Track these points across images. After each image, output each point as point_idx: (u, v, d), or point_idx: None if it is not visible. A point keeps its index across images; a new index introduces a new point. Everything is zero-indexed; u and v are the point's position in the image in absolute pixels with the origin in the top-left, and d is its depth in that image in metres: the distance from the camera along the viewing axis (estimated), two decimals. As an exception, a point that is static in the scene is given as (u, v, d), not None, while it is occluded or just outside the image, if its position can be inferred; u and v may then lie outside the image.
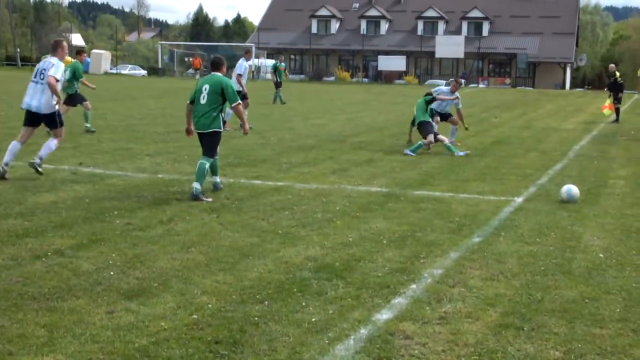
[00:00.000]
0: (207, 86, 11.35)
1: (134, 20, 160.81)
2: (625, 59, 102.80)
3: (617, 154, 17.89)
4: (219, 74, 11.53)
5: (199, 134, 11.40)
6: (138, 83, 55.26)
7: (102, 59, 76.81)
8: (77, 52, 20.39)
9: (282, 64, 36.97)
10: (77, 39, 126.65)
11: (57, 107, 12.15)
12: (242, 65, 21.75)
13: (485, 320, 5.96)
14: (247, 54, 22.80)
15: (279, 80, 35.41)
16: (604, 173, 14.45)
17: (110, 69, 78.76)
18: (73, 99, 19.43)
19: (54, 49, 12.38)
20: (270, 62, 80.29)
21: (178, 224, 9.10)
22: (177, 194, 10.99)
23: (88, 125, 19.65)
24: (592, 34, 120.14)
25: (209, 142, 11.31)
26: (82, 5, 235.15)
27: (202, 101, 11.27)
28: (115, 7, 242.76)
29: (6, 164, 11.98)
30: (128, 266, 7.22)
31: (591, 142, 20.50)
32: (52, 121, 12.25)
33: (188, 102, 11.47)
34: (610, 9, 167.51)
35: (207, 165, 11.12)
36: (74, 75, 19.22)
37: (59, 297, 6.25)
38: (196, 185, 10.91)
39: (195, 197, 10.79)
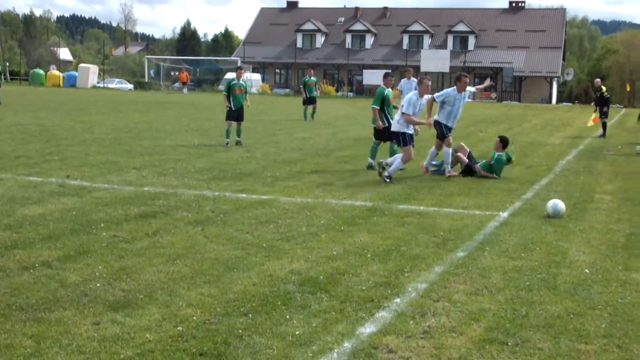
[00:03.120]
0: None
1: (121, 35, 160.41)
2: (613, 73, 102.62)
3: (604, 168, 17.87)
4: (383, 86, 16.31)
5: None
6: (125, 97, 55.14)
7: (89, 72, 76.84)
8: (237, 69, 22.28)
9: (312, 78, 33.89)
10: (65, 53, 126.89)
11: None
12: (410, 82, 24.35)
13: (469, 335, 5.97)
14: (407, 73, 24.70)
15: (309, 96, 33.13)
16: (590, 188, 14.44)
17: (97, 82, 78.67)
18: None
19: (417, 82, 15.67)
20: (256, 76, 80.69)
21: (163, 236, 9.10)
22: (162, 207, 10.98)
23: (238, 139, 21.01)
24: (580, 48, 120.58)
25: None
26: (70, 20, 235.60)
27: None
28: (103, 21, 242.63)
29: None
30: (114, 278, 7.23)
31: (577, 157, 20.50)
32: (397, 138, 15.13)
33: (377, 107, 16.16)
34: (599, 23, 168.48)
35: (396, 147, 15.62)
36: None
37: (46, 308, 6.28)
38: (389, 165, 14.75)
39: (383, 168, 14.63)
